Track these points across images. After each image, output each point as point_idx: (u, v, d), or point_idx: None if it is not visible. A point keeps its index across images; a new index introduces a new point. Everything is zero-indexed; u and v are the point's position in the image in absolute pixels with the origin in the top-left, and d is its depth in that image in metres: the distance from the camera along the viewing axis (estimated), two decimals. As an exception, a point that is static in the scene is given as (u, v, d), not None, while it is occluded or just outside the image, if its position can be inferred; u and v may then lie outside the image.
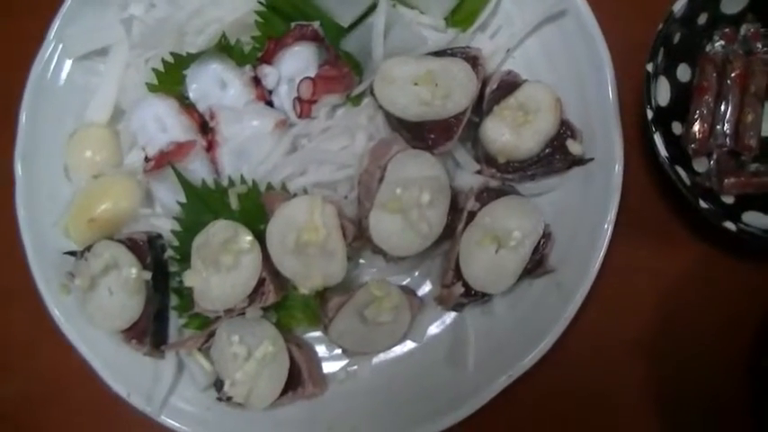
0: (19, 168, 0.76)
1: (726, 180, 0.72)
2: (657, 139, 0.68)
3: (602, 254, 0.67)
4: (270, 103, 0.74)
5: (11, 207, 0.76)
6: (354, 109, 0.73)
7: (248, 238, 0.67)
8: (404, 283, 0.72)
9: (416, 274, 0.72)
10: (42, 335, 0.78)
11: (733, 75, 0.73)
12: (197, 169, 0.71)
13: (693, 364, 0.73)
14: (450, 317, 0.71)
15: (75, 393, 0.79)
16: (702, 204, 0.67)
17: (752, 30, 0.75)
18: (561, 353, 0.71)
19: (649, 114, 0.68)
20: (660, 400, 0.72)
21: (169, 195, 0.72)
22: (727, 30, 0.75)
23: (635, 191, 0.74)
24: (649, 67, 0.69)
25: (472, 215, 0.67)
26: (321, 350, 0.72)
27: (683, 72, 0.75)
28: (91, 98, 0.76)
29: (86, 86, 0.78)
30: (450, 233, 0.68)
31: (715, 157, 0.73)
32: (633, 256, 0.73)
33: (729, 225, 0.67)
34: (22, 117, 0.77)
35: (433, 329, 0.71)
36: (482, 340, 0.69)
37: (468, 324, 0.69)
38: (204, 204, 0.71)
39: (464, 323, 0.70)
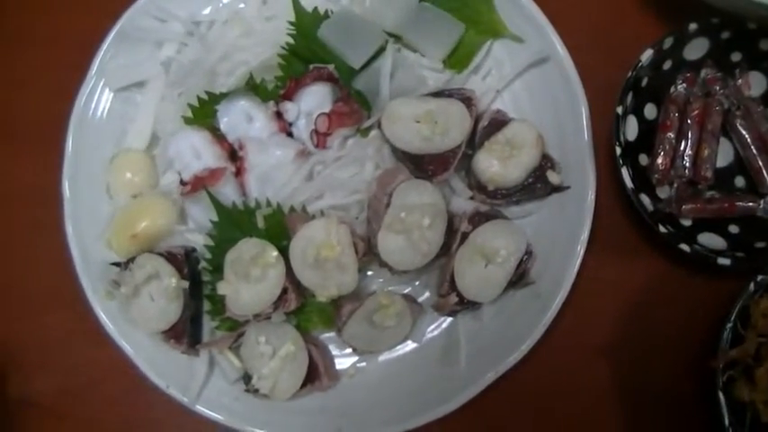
0: (66, 189, 0.92)
1: (684, 206, 0.91)
2: (624, 171, 0.86)
3: (575, 269, 0.85)
4: (290, 135, 0.91)
5: (60, 223, 0.92)
6: (363, 140, 0.90)
7: (274, 253, 0.85)
8: (406, 291, 0.90)
9: (417, 284, 0.90)
10: (80, 336, 0.94)
11: (693, 114, 0.92)
12: (227, 192, 0.89)
13: (653, 363, 0.90)
14: (445, 321, 0.89)
15: (111, 386, 0.94)
16: (662, 229, 0.86)
17: (710, 75, 0.93)
18: (540, 354, 0.88)
19: (618, 151, 0.87)
20: (624, 394, 0.89)
21: (202, 214, 0.89)
22: (688, 74, 0.94)
23: (605, 213, 0.92)
24: (619, 110, 0.88)
25: (465, 235, 0.85)
26: (334, 349, 0.90)
27: (650, 111, 0.93)
28: (129, 126, 0.94)
29: (125, 116, 0.94)
30: (446, 251, 0.86)
31: (675, 185, 0.92)
32: (602, 270, 0.91)
33: (684, 247, 0.86)
34: (69, 143, 0.92)
35: (431, 332, 0.89)
36: (472, 342, 0.87)
37: (460, 328, 0.88)
38: (233, 223, 0.88)
39: (457, 327, 0.88)
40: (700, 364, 0.87)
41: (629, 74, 0.88)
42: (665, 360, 0.91)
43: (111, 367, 0.93)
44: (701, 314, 0.90)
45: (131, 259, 0.88)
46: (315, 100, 0.90)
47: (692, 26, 0.89)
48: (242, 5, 0.95)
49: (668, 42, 0.90)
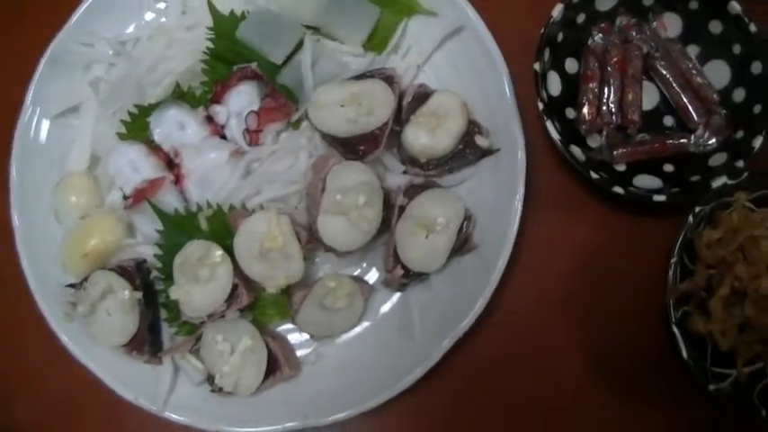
0: (16, 219, 0.97)
1: (615, 152, 0.95)
2: (549, 125, 0.90)
3: (515, 227, 0.89)
4: (224, 137, 0.96)
5: (14, 251, 0.97)
6: (295, 132, 0.95)
7: (219, 252, 0.89)
8: (355, 273, 0.95)
9: (364, 264, 0.95)
10: (53, 359, 0.96)
11: (613, 62, 0.96)
12: (169, 200, 0.93)
13: (611, 309, 0.94)
14: (396, 296, 0.93)
15: (87, 406, 0.97)
16: (593, 175, 0.90)
17: (625, 22, 0.98)
18: (497, 316, 0.93)
19: (540, 106, 0.91)
20: (587, 343, 0.93)
21: (148, 225, 0.94)
22: (603, 24, 0.98)
23: (542, 171, 0.97)
24: (536, 66, 0.92)
25: (402, 209, 0.89)
26: (293, 338, 0.94)
27: (571, 65, 0.98)
28: (69, 150, 0.98)
29: (64, 140, 0.99)
30: (386, 227, 0.90)
31: (605, 133, 0.96)
32: (546, 226, 0.95)
33: (618, 189, 0.90)
34: (13, 173, 0.97)
35: (384, 308, 0.93)
36: (425, 312, 0.91)
37: (411, 301, 0.92)
38: (179, 229, 0.93)
39: (408, 300, 0.92)
40: (656, 304, 0.91)
41: (542, 30, 0.92)
42: (623, 304, 0.95)
43: (91, 388, 0.96)
44: (651, 255, 0.93)
45: (85, 278, 0.93)
46: (243, 99, 0.94)
47: (600, -23, 0.94)
48: (164, 19, 1.01)
49: (579, -5, 0.94)
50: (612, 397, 0.93)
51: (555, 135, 0.90)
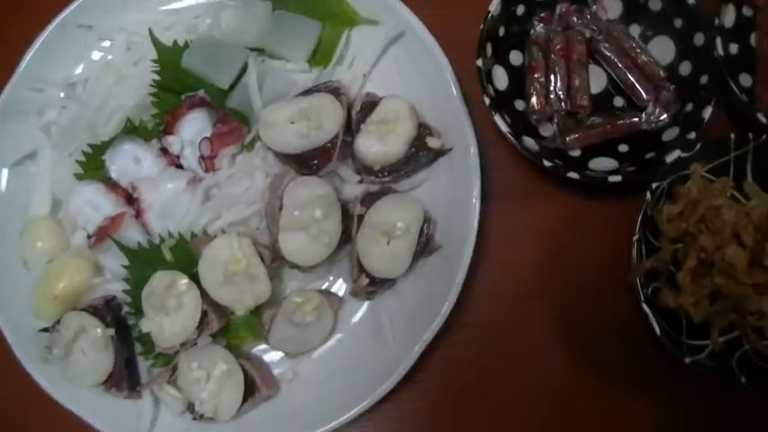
0: (-16, 270, 0.99)
1: (568, 138, 0.96)
2: (498, 119, 0.91)
3: (475, 224, 0.90)
4: (180, 166, 0.97)
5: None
6: (249, 154, 0.96)
7: (184, 281, 0.90)
8: (323, 286, 0.95)
9: (331, 276, 0.95)
10: (37, 406, 0.97)
11: (556, 49, 0.97)
12: (132, 235, 0.94)
13: (583, 294, 0.94)
14: (366, 305, 0.94)
15: None
16: (547, 163, 0.91)
17: (564, 8, 0.99)
18: (470, 311, 0.94)
19: (487, 101, 0.92)
20: (560, 330, 0.94)
21: (114, 262, 0.95)
22: (543, 14, 0.99)
23: (499, 166, 0.97)
24: (479, 63, 0.93)
25: (361, 218, 0.90)
26: (269, 358, 0.94)
27: (516, 57, 0.99)
28: (30, 197, 1.00)
29: (24, 187, 1.00)
30: (348, 237, 0.91)
31: (556, 121, 0.97)
32: (509, 219, 0.96)
33: (573, 175, 0.91)
34: (-23, 226, 1.00)
35: (355, 318, 0.94)
36: (396, 317, 0.91)
37: (381, 307, 0.92)
38: (144, 262, 0.94)
39: (378, 307, 0.93)
40: (627, 284, 0.90)
41: (482, 26, 0.94)
42: (594, 287, 0.95)
43: (76, 427, 0.96)
44: (617, 236, 0.93)
45: (58, 321, 0.94)
46: (194, 127, 0.96)
47: (535, -32, 0.95)
48: (110, 57, 1.02)
49: (514, -14, 0.95)
50: (593, 381, 0.93)
51: (504, 128, 0.91)
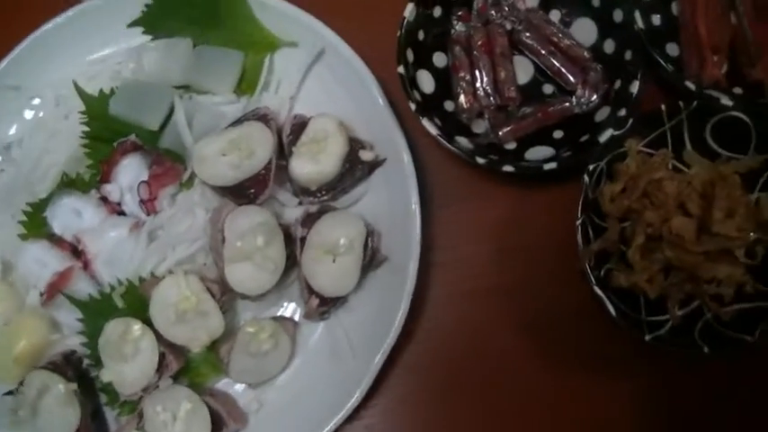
0: (-57, 342, 1.00)
1: (500, 132, 0.96)
2: (427, 123, 0.92)
3: (418, 230, 0.90)
4: (122, 213, 0.98)
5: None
6: (189, 191, 0.96)
7: (137, 326, 0.91)
8: (278, 312, 0.96)
9: (284, 302, 0.96)
10: None
11: (478, 45, 0.98)
12: (82, 287, 0.95)
13: (541, 285, 0.95)
14: (322, 325, 0.94)
15: None
16: (480, 160, 0.91)
17: (482, 3, 1.00)
18: (427, 317, 0.95)
19: (413, 107, 0.92)
20: (519, 324, 0.94)
21: (70, 316, 0.95)
22: (461, 12, 1.00)
23: (440, 170, 0.98)
24: (401, 70, 0.94)
25: (304, 240, 0.91)
26: (233, 391, 0.94)
27: (439, 59, 1.00)
28: (-21, 264, 1.01)
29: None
30: (294, 261, 0.92)
31: (487, 116, 0.98)
32: (455, 219, 0.97)
33: (508, 168, 0.91)
34: (-69, 299, 1.01)
35: (313, 340, 0.94)
36: (353, 334, 0.92)
37: (337, 326, 0.93)
38: (97, 313, 0.94)
39: (334, 326, 0.93)
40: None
41: (399, 33, 0.94)
42: (548, 277, 0.96)
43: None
44: (564, 224, 0.91)
45: (21, 382, 0.94)
46: (131, 172, 0.97)
47: (445, -32, 0.96)
48: (41, 114, 1.03)
49: (425, -11, 0.96)
50: (559, 369, 0.94)
51: (434, 131, 0.91)
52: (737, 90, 1.00)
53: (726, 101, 0.94)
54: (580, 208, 0.90)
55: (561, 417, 0.92)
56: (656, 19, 1.01)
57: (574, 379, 0.93)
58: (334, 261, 0.90)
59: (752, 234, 0.92)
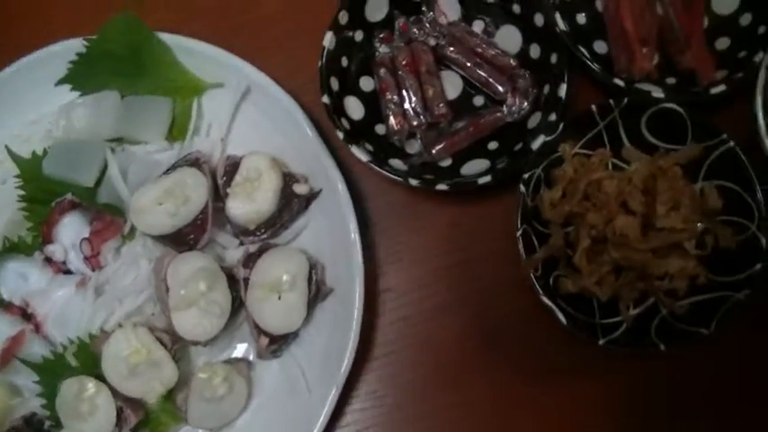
0: None
1: (433, 150, 0.96)
2: (356, 150, 0.92)
3: (359, 258, 0.90)
4: (68, 271, 0.99)
5: None
6: (131, 243, 0.97)
7: (91, 383, 0.91)
8: (233, 355, 0.96)
9: (237, 344, 0.96)
10: None
11: (402, 65, 0.98)
12: (36, 350, 0.95)
13: (488, 299, 0.94)
14: (275, 363, 0.94)
15: None
16: (413, 182, 0.91)
17: (402, 23, 1.00)
18: (385, 344, 0.95)
19: (341, 135, 0.92)
20: (477, 335, 0.94)
21: (28, 380, 0.97)
22: (382, 34, 1.00)
23: (379, 195, 0.98)
24: (325, 99, 0.94)
25: (247, 280, 0.92)
26: (199, 440, 0.96)
27: (366, 83, 0.99)
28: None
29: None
30: (240, 302, 0.93)
31: (419, 136, 0.98)
32: (398, 242, 0.97)
33: (441, 186, 0.91)
34: None
35: (270, 379, 0.94)
36: (308, 368, 0.92)
37: (291, 362, 0.93)
38: (52, 374, 0.94)
39: (288, 362, 0.93)
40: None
41: (319, 62, 0.94)
42: (500, 289, 0.95)
43: None
44: (508, 235, 0.91)
45: (-15, 453, 0.96)
46: (71, 231, 0.97)
47: (360, -9, 0.96)
48: (-21, 186, 1.04)
49: (344, 17, 0.96)
50: (520, 382, 0.93)
51: (365, 157, 0.91)
52: (671, 80, 1.00)
53: (657, 93, 0.94)
54: (519, 219, 0.90)
55: (525, 427, 0.92)
56: (582, 17, 1.00)
57: (535, 388, 0.93)
58: (279, 298, 0.91)
59: (699, 225, 0.91)
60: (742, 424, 0.89)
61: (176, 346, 0.93)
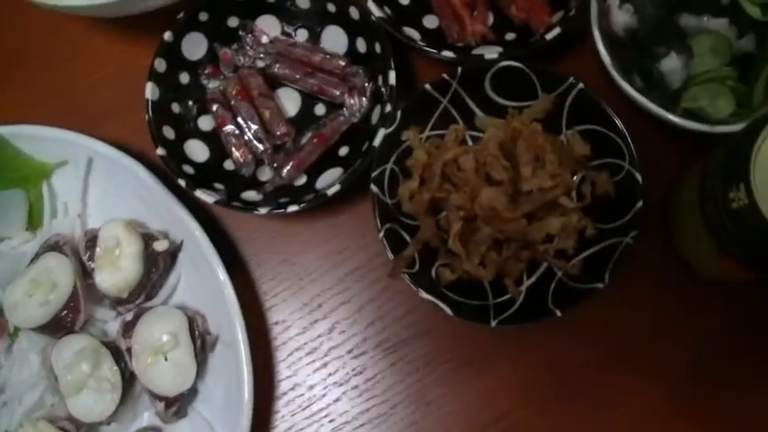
0: None
1: (283, 172, 0.95)
2: (200, 193, 0.91)
3: (233, 299, 0.89)
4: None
5: None
6: (18, 340, 0.98)
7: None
8: (142, 425, 0.95)
9: (146, 413, 0.95)
10: None
11: (234, 95, 0.97)
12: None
13: (381, 304, 0.94)
14: (184, 422, 0.94)
15: None
16: (262, 210, 0.89)
17: (222, 53, 0.99)
18: (289, 381, 0.94)
19: (183, 183, 0.91)
20: (378, 346, 0.93)
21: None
22: (207, 70, 0.99)
23: (240, 228, 0.98)
24: (160, 152, 0.93)
25: (130, 349, 0.92)
26: None
27: (205, 123, 0.99)
28: None
29: None
30: (132, 375, 0.93)
31: (267, 161, 0.97)
32: (275, 273, 0.96)
33: (293, 208, 0.89)
34: None
35: (181, 438, 0.95)
36: (215, 420, 0.90)
37: (197, 418, 0.92)
38: None
39: (195, 419, 0.92)
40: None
41: (147, 116, 0.94)
42: (394, 294, 0.95)
43: None
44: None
45: None
46: (-41, 341, 0.98)
47: (167, 35, 0.95)
48: None
49: (161, 64, 0.95)
50: (433, 384, 0.92)
51: (210, 199, 0.90)
52: (511, 36, 0.98)
53: (490, 54, 0.92)
54: (378, 220, 0.89)
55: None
56: (405, -1, 0.99)
57: (447, 385, 0.92)
58: (166, 359, 0.90)
59: (575, 177, 0.90)
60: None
61: (82, 431, 0.93)
